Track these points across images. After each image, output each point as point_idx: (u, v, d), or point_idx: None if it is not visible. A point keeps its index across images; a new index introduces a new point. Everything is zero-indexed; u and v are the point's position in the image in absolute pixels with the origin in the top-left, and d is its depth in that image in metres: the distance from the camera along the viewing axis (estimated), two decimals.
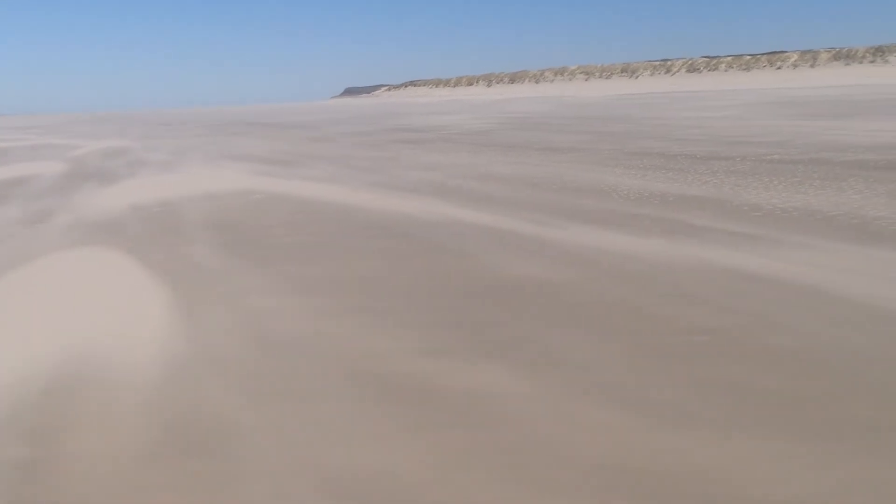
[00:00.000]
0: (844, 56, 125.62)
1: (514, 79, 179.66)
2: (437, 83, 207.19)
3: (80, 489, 3.45)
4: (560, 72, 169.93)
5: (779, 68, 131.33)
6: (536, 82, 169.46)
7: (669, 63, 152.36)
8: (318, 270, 7.40)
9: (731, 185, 11.50)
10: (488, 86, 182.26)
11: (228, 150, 25.86)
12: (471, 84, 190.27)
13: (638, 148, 18.50)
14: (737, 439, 3.55)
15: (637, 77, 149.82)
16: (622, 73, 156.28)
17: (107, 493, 3.41)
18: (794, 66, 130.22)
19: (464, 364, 4.72)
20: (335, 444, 3.74)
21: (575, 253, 7.55)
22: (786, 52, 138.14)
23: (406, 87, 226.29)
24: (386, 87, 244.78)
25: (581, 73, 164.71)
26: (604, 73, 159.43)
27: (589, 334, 5.14)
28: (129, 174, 18.55)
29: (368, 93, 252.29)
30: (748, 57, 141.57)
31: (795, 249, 7.18)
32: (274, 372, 4.77)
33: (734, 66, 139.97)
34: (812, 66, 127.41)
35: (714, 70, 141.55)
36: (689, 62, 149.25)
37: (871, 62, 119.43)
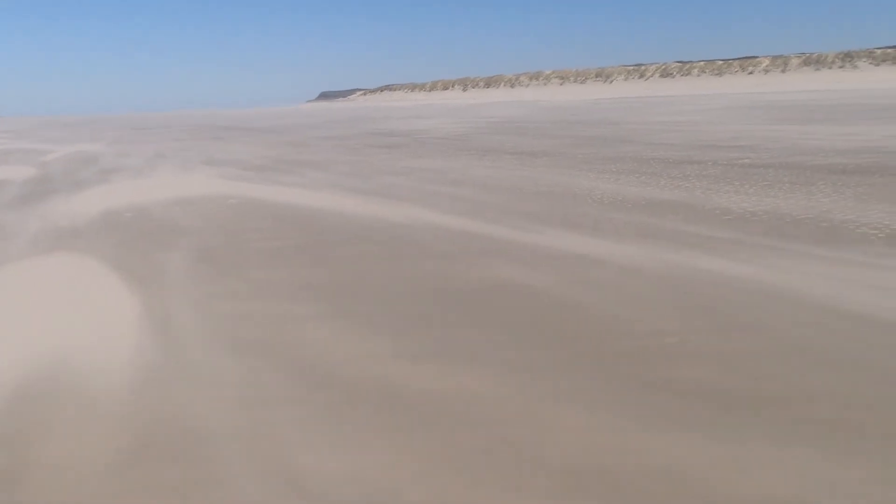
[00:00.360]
0: (815, 61, 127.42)
1: (489, 83, 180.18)
2: (413, 87, 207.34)
3: (52, 497, 3.44)
4: (535, 76, 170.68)
5: (751, 73, 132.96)
6: (512, 87, 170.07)
7: (643, 68, 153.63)
8: (292, 275, 7.40)
9: (702, 189, 11.65)
10: (464, 90, 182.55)
11: (203, 154, 25.70)
12: (446, 88, 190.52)
13: (612, 152, 18.67)
14: (703, 440, 3.62)
15: (611, 82, 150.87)
16: (597, 77, 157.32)
17: (79, 501, 3.40)
18: (766, 70, 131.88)
19: (437, 368, 4.75)
20: (308, 449, 3.76)
21: (549, 257, 7.62)
22: (757, 57, 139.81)
23: (382, 91, 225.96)
24: (362, 92, 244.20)
25: (556, 77, 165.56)
26: (578, 78, 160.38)
27: (560, 337, 5.20)
28: (101, 180, 18.39)
29: (344, 97, 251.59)
30: (721, 62, 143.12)
31: (764, 252, 7.29)
32: (247, 378, 4.77)
33: (707, 70, 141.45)
34: (783, 70, 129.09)
35: (687, 75, 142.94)
36: (663, 67, 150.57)
37: (841, 67, 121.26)
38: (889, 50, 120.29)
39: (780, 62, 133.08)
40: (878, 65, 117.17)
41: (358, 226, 10.04)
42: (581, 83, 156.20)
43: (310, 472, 3.53)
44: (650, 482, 3.27)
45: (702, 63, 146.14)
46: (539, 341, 5.14)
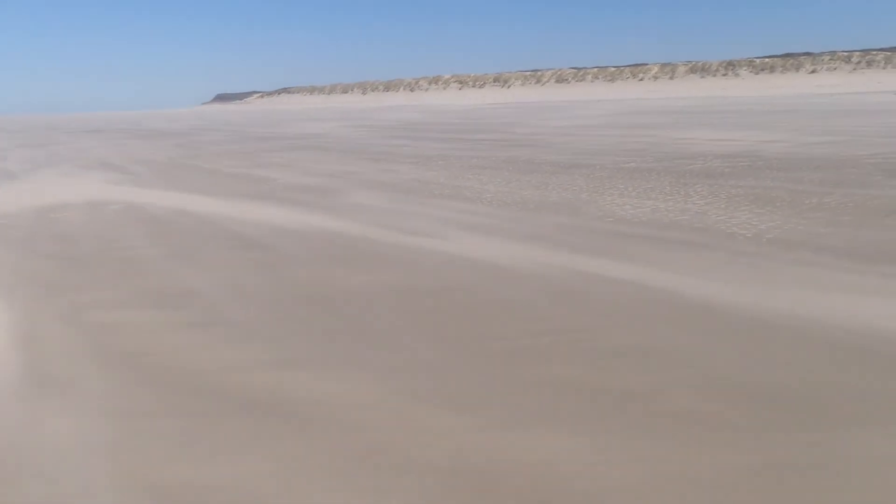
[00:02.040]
0: (700, 69, 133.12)
1: (388, 87, 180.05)
2: (312, 90, 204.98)
3: None
4: (434, 80, 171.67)
5: (641, 80, 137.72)
6: (411, 90, 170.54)
7: (540, 73, 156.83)
8: (170, 283, 7.18)
9: (588, 191, 11.99)
10: (363, 94, 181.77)
11: (88, 158, 24.65)
12: (346, 92, 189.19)
13: (506, 156, 18.97)
14: (569, 436, 3.72)
15: (509, 87, 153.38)
16: (495, 82, 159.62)
17: None
18: (655, 77, 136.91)
19: (313, 374, 4.71)
20: (173, 460, 3.66)
21: (432, 260, 7.67)
22: (647, 64, 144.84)
23: (280, 93, 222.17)
24: (259, 94, 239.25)
25: (455, 82, 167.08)
26: (477, 83, 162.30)
27: (438, 341, 5.24)
28: None
29: (241, 99, 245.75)
30: (613, 69, 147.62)
31: (641, 252, 7.56)
32: (114, 390, 4.60)
33: (600, 77, 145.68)
34: (671, 77, 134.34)
35: (581, 80, 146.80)
36: (558, 73, 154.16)
37: (724, 75, 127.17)
38: (767, 59, 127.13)
39: (669, 69, 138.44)
40: (757, 73, 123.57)
41: (243, 231, 9.84)
42: (480, 88, 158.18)
43: (176, 485, 3.44)
44: (516, 479, 3.34)
45: (595, 69, 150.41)
46: (416, 344, 5.17)
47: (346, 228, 9.65)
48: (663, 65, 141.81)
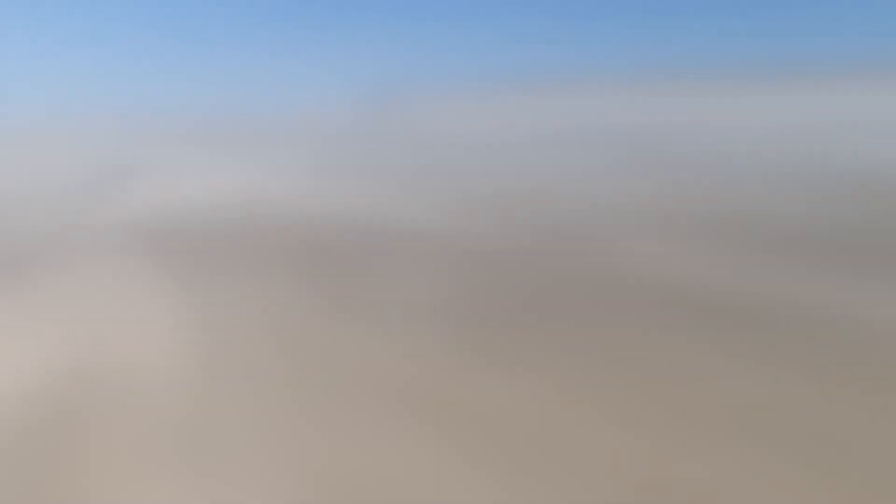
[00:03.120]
0: None
1: None
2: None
3: (99, 476, 3.57)
4: None
5: None
6: None
7: None
8: (353, 282, 7.42)
9: None
10: None
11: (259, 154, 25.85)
12: None
13: None
14: (749, 465, 3.55)
15: None
16: None
17: (121, 480, 3.51)
18: None
19: (501, 374, 4.75)
20: (343, 452, 3.80)
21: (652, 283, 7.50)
22: None
23: None
24: None
25: None
26: None
27: (624, 363, 5.14)
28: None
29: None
30: None
31: None
32: (288, 377, 4.83)
33: None
34: None
35: None
36: None
37: None
38: None
39: None
40: None
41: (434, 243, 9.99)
42: None
43: (342, 472, 3.57)
44: (677, 496, 3.24)
45: None
46: (600, 360, 5.09)
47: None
48: None
